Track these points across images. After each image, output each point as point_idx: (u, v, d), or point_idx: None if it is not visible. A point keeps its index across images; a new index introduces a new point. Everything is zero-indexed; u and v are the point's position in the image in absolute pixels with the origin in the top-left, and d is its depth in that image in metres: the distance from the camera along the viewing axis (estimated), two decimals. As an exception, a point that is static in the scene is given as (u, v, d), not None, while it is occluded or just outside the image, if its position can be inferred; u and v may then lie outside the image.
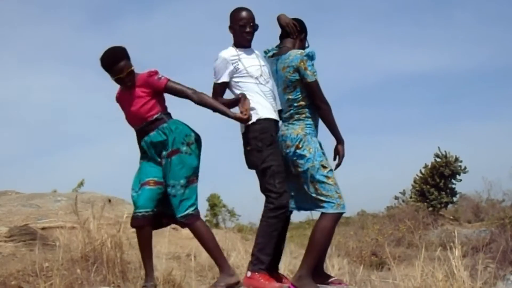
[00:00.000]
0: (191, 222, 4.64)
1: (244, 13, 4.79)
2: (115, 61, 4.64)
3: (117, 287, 5.96)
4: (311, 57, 4.59)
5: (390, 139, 45.53)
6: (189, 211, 4.60)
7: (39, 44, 51.47)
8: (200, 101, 4.62)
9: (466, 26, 50.79)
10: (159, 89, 4.68)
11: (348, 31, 52.67)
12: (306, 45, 4.88)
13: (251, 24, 4.79)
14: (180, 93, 4.67)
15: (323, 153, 4.60)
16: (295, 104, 4.62)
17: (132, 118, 4.77)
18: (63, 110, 51.24)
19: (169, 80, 4.66)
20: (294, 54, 4.61)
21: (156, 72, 4.70)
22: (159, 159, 4.69)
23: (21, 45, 50.47)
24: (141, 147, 4.80)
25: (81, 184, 13.91)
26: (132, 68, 4.70)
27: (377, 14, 52.73)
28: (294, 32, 4.77)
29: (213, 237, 4.70)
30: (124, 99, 4.80)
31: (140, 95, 4.67)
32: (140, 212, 4.65)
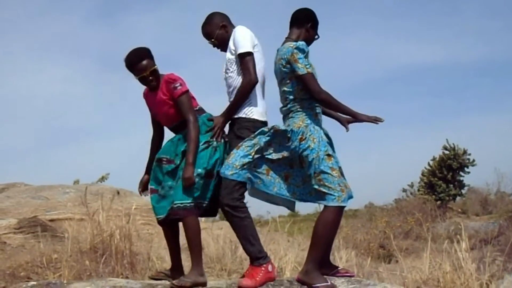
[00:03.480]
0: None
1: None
2: (138, 60, 4.64)
3: (126, 278, 5.98)
4: (301, 49, 4.55)
5: (397, 132, 45.52)
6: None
7: (47, 36, 51.58)
8: (190, 132, 4.61)
9: (474, 19, 50.60)
10: (174, 97, 4.67)
11: (356, 25, 52.58)
12: (316, 36, 4.84)
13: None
14: (182, 113, 4.64)
15: (329, 143, 4.56)
16: (291, 97, 4.59)
17: (162, 119, 4.81)
18: (69, 103, 51.45)
19: (183, 93, 4.63)
20: (288, 46, 4.58)
21: (174, 80, 4.66)
22: (171, 159, 4.72)
23: (29, 38, 50.58)
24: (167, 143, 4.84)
25: (103, 178, 13.82)
26: (155, 67, 4.69)
27: (384, 8, 52.56)
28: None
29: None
30: (151, 99, 4.82)
31: (163, 99, 4.67)
32: (158, 218, 4.71)
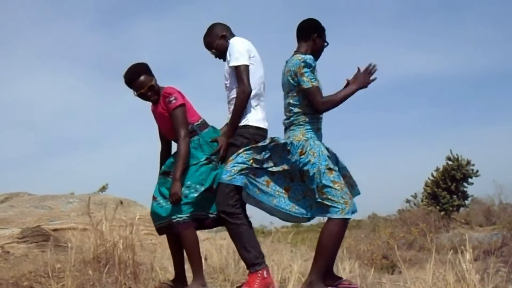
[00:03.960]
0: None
1: None
2: (136, 76, 4.68)
3: (129, 289, 5.99)
4: (308, 64, 4.56)
5: (400, 142, 45.52)
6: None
7: (51, 44, 51.75)
8: (179, 147, 4.65)
9: (476, 29, 50.68)
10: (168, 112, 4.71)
11: (359, 35, 52.70)
12: (325, 43, 4.85)
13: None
14: (174, 127, 4.66)
15: (329, 157, 4.56)
16: (295, 110, 4.61)
17: (165, 133, 4.85)
18: (72, 111, 51.56)
19: (177, 107, 4.65)
20: (296, 59, 4.61)
21: (169, 94, 4.69)
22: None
23: (32, 45, 50.75)
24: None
25: (103, 188, 13.88)
26: (152, 83, 4.72)
27: (387, 19, 52.68)
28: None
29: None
30: (155, 113, 4.86)
31: (162, 113, 4.72)
32: (156, 224, 4.74)
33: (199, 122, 4.77)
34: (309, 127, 4.59)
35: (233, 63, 4.69)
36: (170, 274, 6.62)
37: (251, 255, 4.51)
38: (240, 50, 4.72)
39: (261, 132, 4.74)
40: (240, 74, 4.65)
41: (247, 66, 4.67)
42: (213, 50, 4.97)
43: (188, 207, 4.56)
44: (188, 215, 4.55)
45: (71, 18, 52.79)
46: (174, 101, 4.63)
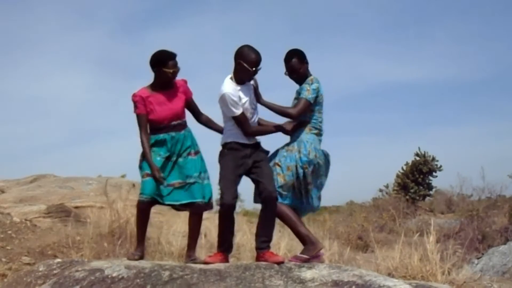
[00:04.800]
0: (209, 207, 4.69)
1: (256, 57, 4.45)
2: (170, 57, 4.60)
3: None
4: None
5: (376, 139, 45.55)
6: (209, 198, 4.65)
7: (77, 48, 51.62)
8: (204, 122, 4.78)
9: (443, 45, 50.88)
10: (187, 97, 4.69)
11: (341, 47, 52.82)
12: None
13: (259, 68, 4.51)
14: (195, 109, 4.74)
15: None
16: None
17: (171, 114, 4.63)
18: (94, 105, 51.49)
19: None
20: None
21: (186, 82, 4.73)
22: (171, 154, 4.61)
23: (61, 50, 50.64)
24: (160, 142, 4.63)
25: (123, 176, 13.77)
26: (179, 69, 4.65)
27: (368, 32, 52.74)
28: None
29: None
30: (160, 98, 4.64)
31: (180, 97, 4.65)
32: (145, 198, 4.55)
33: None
34: None
35: (231, 115, 4.51)
36: (174, 247, 6.63)
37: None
38: (229, 105, 4.44)
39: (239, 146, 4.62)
40: (239, 123, 4.52)
41: (241, 115, 4.48)
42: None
43: None
44: None
45: (94, 26, 52.67)
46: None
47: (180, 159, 4.60)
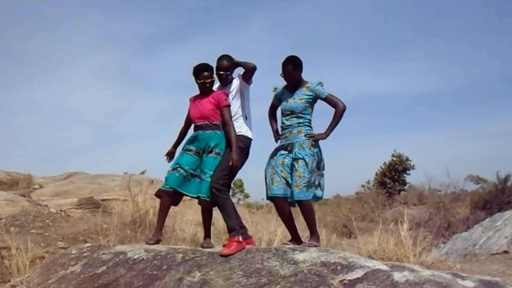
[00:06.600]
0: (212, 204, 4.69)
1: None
2: (206, 69, 4.64)
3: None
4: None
5: (360, 142, 45.53)
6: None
7: (103, 64, 51.71)
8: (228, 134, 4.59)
9: (416, 60, 50.97)
10: (219, 105, 4.60)
11: (329, 62, 52.90)
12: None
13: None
14: (225, 120, 4.59)
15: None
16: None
17: (198, 114, 4.64)
18: (118, 113, 51.54)
19: (228, 106, 4.60)
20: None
21: (227, 95, 4.65)
22: (198, 151, 4.60)
23: (90, 65, 50.68)
24: (192, 138, 4.65)
25: (143, 172, 13.76)
26: (214, 79, 4.69)
27: (354, 49, 52.80)
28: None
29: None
30: (197, 101, 4.70)
31: (210, 101, 4.61)
32: (166, 188, 4.56)
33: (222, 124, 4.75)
34: None
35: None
36: (186, 234, 6.63)
37: (232, 222, 4.44)
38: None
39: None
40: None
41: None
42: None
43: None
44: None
45: (118, 45, 52.81)
46: (227, 101, 4.64)
47: (204, 155, 4.58)
